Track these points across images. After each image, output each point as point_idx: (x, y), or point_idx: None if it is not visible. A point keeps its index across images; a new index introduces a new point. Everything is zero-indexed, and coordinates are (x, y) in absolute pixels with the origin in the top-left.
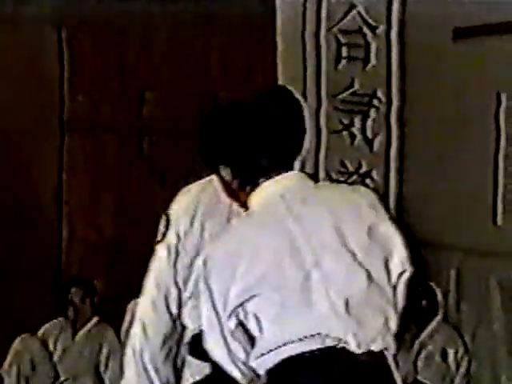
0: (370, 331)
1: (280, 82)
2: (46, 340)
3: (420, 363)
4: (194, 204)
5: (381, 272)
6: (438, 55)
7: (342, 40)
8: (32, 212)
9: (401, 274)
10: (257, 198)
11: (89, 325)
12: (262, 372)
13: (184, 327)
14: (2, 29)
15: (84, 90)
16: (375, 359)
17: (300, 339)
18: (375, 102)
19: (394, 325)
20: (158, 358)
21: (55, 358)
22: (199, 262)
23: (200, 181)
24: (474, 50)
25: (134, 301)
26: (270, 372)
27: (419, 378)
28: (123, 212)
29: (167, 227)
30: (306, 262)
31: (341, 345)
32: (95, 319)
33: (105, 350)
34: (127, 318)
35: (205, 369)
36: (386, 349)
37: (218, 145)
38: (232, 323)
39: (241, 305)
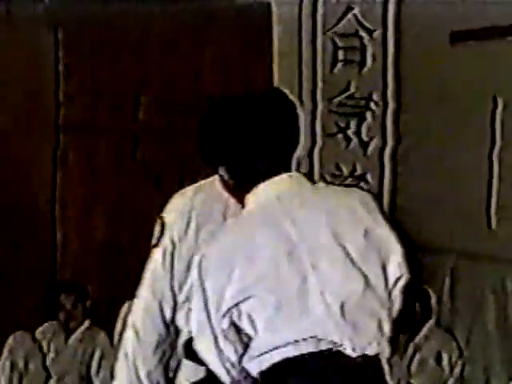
0: (365, 336)
1: (276, 85)
2: (40, 341)
3: (414, 367)
4: (189, 207)
5: (377, 276)
6: (434, 59)
7: (339, 43)
8: (26, 214)
9: (397, 280)
10: (254, 199)
11: (82, 328)
12: (255, 374)
13: (178, 331)
14: None
15: (79, 92)
16: (369, 363)
17: (295, 342)
18: (371, 105)
19: (387, 329)
20: (151, 362)
21: (48, 360)
22: (194, 261)
23: (195, 184)
24: (470, 53)
25: (127, 304)
26: (263, 374)
27: (412, 382)
28: (118, 215)
29: (162, 232)
30: (303, 265)
31: (336, 348)
32: (87, 323)
33: (97, 354)
34: (120, 321)
35: (200, 372)
36: (380, 353)
37: (214, 145)
38: (225, 323)
39: (235, 305)
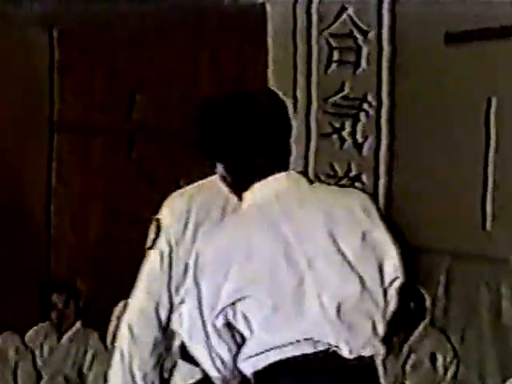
0: (361, 337)
1: (271, 85)
2: (31, 342)
3: (408, 368)
4: (186, 208)
5: (373, 278)
6: (429, 59)
7: (333, 44)
8: (20, 214)
9: (393, 281)
10: (251, 197)
11: (73, 328)
12: (248, 374)
13: (174, 332)
14: None
15: (74, 91)
16: (364, 364)
17: (291, 344)
18: (365, 105)
19: (381, 330)
20: (147, 364)
21: (40, 361)
22: (191, 259)
23: (193, 184)
24: (465, 54)
25: (121, 304)
26: (257, 374)
27: (407, 382)
28: (112, 214)
29: (158, 234)
30: (300, 266)
31: (332, 349)
32: (79, 323)
33: (89, 354)
34: (114, 321)
35: (196, 373)
36: (375, 354)
37: (212, 140)
38: (219, 322)
39: (231, 305)
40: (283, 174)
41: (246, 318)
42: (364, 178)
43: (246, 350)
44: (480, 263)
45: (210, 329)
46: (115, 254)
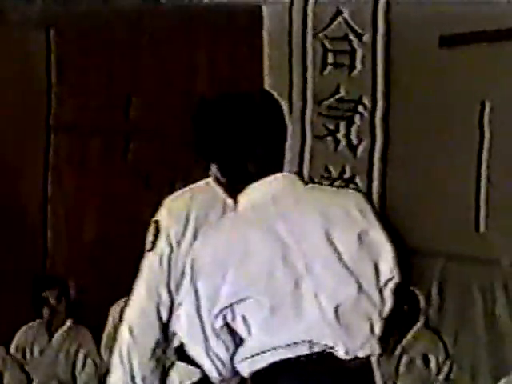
0: (358, 339)
1: (266, 87)
2: (20, 348)
3: (401, 368)
4: (186, 210)
5: (369, 278)
6: (424, 62)
7: (329, 46)
8: (17, 213)
9: (388, 281)
10: (247, 199)
11: (64, 327)
12: (245, 374)
13: (173, 332)
14: None
15: (71, 92)
16: (360, 365)
17: (288, 345)
18: (360, 108)
19: (378, 330)
20: (147, 366)
21: (30, 364)
22: (187, 261)
23: (191, 186)
24: (460, 57)
25: (118, 304)
26: (254, 375)
27: (400, 383)
28: (108, 214)
29: (157, 236)
30: (297, 268)
31: (328, 350)
32: (70, 321)
33: (81, 354)
34: (110, 321)
35: (195, 374)
36: (371, 354)
37: (207, 139)
38: (218, 324)
39: (229, 306)
40: (279, 175)
41: (244, 319)
42: (358, 179)
43: (244, 351)
44: (473, 265)
45: (208, 330)
46: (111, 254)
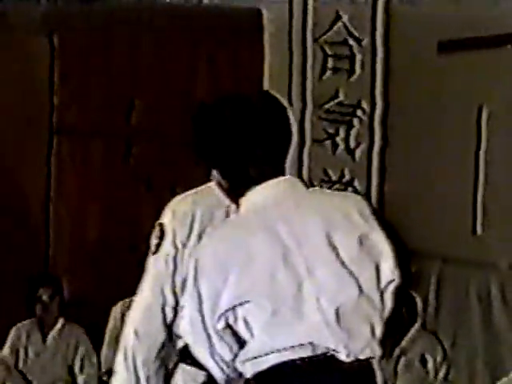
0: (359, 341)
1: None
2: (14, 349)
3: (399, 370)
4: (191, 212)
5: (370, 281)
6: (422, 67)
7: (328, 51)
8: (19, 215)
9: (389, 283)
10: (249, 202)
11: (57, 326)
12: (248, 375)
13: (177, 335)
14: None
15: (74, 95)
16: (361, 366)
17: (291, 347)
18: (359, 112)
19: (379, 332)
20: (152, 366)
21: (28, 363)
22: (190, 264)
23: (196, 189)
24: (458, 62)
25: (118, 305)
26: (256, 376)
27: None
28: (110, 216)
29: (162, 238)
30: (299, 271)
31: (330, 353)
32: (62, 320)
33: (79, 353)
34: (111, 321)
35: (199, 377)
36: (372, 356)
37: (207, 144)
38: (220, 325)
39: (231, 309)
40: (280, 178)
41: (246, 322)
42: (357, 183)
43: (246, 353)
44: (470, 267)
45: (211, 331)
46: (112, 256)
